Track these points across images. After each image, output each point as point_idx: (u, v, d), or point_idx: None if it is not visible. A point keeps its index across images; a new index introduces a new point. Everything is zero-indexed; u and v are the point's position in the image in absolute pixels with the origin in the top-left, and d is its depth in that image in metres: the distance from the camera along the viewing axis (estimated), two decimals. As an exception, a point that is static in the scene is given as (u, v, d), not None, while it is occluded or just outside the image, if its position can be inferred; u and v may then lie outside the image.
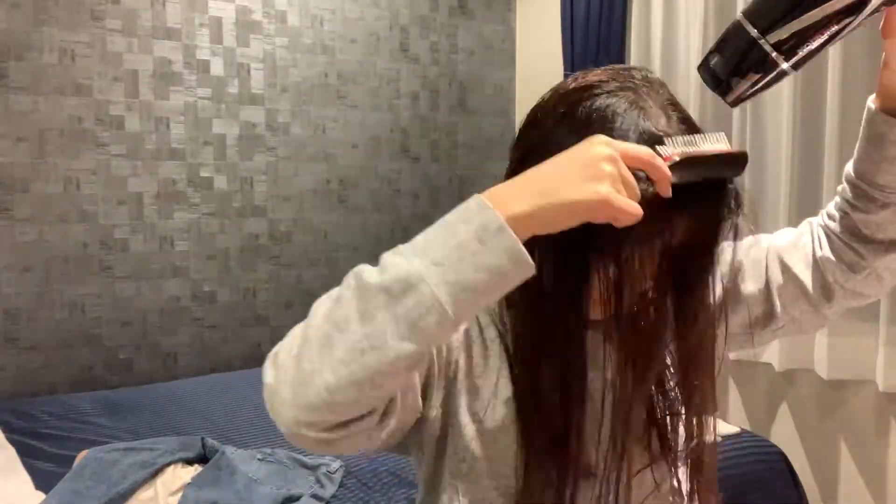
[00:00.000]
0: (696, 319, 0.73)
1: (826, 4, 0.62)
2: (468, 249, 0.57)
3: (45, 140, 2.58)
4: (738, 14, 0.65)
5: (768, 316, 0.83)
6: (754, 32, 0.63)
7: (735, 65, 0.65)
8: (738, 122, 2.37)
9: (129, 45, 2.71)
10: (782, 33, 0.63)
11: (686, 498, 0.78)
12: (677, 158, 0.62)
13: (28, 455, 1.96)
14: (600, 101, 0.69)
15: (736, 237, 0.73)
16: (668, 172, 0.61)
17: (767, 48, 0.63)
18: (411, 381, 0.69)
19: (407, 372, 0.59)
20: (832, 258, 0.78)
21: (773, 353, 2.29)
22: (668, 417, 0.76)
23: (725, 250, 0.84)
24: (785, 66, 0.64)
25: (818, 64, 2.09)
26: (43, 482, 1.80)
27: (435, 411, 0.75)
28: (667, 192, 0.62)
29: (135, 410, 2.33)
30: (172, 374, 2.83)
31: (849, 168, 0.78)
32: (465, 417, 0.75)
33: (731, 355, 2.33)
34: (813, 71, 2.13)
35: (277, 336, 0.61)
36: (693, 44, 2.51)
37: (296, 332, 0.61)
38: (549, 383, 0.72)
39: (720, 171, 0.66)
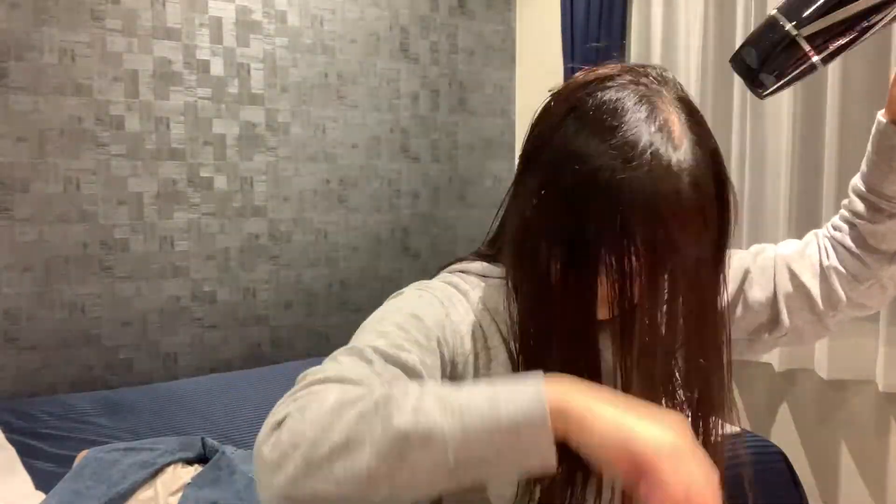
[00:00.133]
0: (706, 321, 0.72)
1: (857, 2, 0.64)
2: (498, 432, 0.54)
3: (45, 140, 2.58)
4: (773, 10, 0.68)
5: (773, 323, 0.83)
6: (789, 27, 0.66)
7: (767, 58, 0.68)
8: (738, 122, 2.37)
9: (129, 45, 2.71)
10: (815, 28, 0.65)
11: None
12: None
13: (28, 455, 1.96)
14: (610, 94, 0.67)
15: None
16: None
17: (801, 42, 0.66)
18: None
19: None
20: (839, 268, 0.80)
21: (773, 353, 2.29)
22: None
23: (733, 256, 0.84)
24: (816, 59, 0.67)
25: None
26: (43, 482, 1.80)
27: None
28: None
29: (135, 410, 2.33)
30: (172, 374, 2.83)
31: (856, 180, 0.79)
32: None
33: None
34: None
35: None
36: (693, 44, 2.51)
37: (306, 416, 0.58)
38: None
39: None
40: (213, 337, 2.93)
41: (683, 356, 0.75)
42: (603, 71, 0.71)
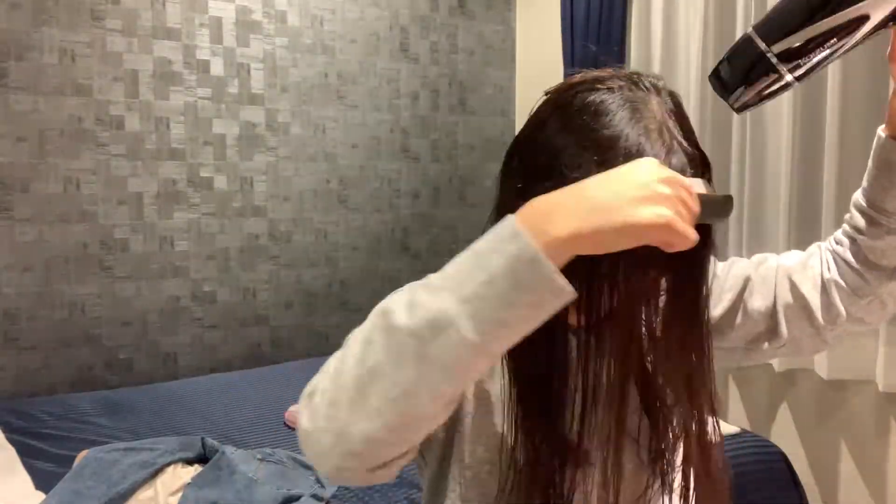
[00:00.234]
0: (685, 324, 0.71)
1: (828, 19, 0.66)
2: (499, 286, 0.53)
3: (45, 140, 2.58)
4: (749, 28, 0.70)
5: (771, 333, 0.83)
6: (763, 46, 0.68)
7: (743, 74, 0.69)
8: (738, 125, 2.37)
9: (129, 45, 2.71)
10: (788, 46, 0.67)
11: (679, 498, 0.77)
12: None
13: (28, 455, 1.96)
14: (595, 96, 0.68)
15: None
16: (698, 209, 0.58)
17: (773, 60, 0.67)
18: None
19: (445, 411, 0.58)
20: (839, 281, 0.80)
21: (773, 353, 2.29)
22: (660, 428, 0.75)
23: (735, 263, 0.85)
24: (789, 77, 0.68)
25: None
26: (43, 482, 1.80)
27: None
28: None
29: (135, 410, 2.33)
30: (172, 374, 2.83)
31: (857, 195, 0.79)
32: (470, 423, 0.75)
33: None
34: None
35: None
36: (693, 44, 2.51)
37: (329, 371, 0.59)
38: (532, 385, 0.71)
39: (719, 215, 0.65)
40: (213, 337, 2.93)
41: (662, 359, 0.74)
42: (596, 74, 0.71)
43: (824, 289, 0.81)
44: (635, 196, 0.55)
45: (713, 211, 0.63)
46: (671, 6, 2.64)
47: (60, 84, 2.60)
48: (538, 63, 3.41)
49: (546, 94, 0.74)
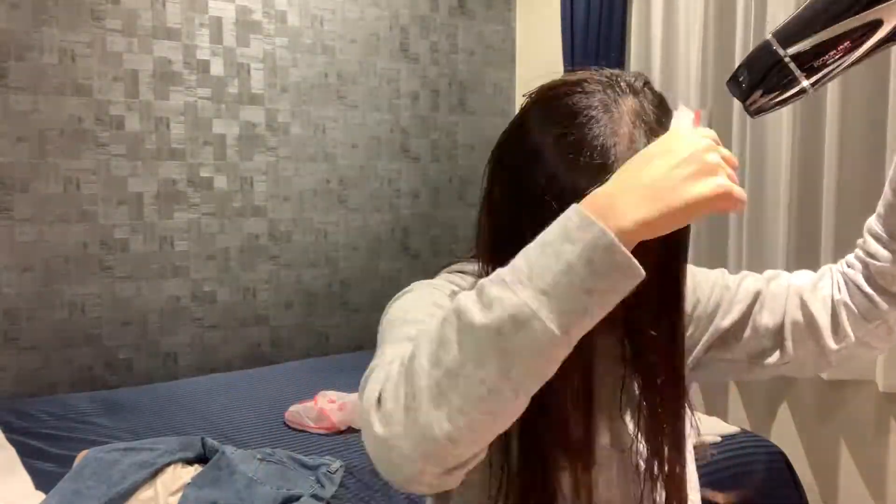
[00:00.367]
0: (661, 327, 0.74)
1: (843, 22, 0.68)
2: (577, 274, 0.53)
3: (45, 140, 2.58)
4: (768, 34, 0.71)
5: (777, 349, 0.84)
6: (781, 52, 0.69)
7: (759, 80, 0.71)
8: (738, 127, 2.37)
9: (129, 45, 2.71)
10: (805, 53, 0.69)
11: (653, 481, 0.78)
12: None
13: (28, 455, 1.96)
14: (572, 99, 0.70)
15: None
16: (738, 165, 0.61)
17: (792, 66, 0.69)
18: None
19: (525, 405, 0.57)
20: (849, 303, 0.81)
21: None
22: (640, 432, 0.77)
23: (747, 277, 0.86)
24: (805, 83, 0.70)
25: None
26: (43, 482, 1.80)
27: None
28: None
29: (135, 410, 2.33)
30: (172, 374, 2.83)
31: (871, 221, 0.80)
32: None
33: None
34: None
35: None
36: (693, 44, 2.51)
37: (395, 376, 0.57)
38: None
39: None
40: (213, 337, 2.93)
41: (639, 365, 0.77)
42: (577, 76, 0.72)
43: (833, 310, 0.81)
44: (691, 172, 0.56)
45: None
46: (671, 6, 2.64)
47: (60, 84, 2.60)
48: (538, 63, 3.41)
49: (524, 96, 0.77)
